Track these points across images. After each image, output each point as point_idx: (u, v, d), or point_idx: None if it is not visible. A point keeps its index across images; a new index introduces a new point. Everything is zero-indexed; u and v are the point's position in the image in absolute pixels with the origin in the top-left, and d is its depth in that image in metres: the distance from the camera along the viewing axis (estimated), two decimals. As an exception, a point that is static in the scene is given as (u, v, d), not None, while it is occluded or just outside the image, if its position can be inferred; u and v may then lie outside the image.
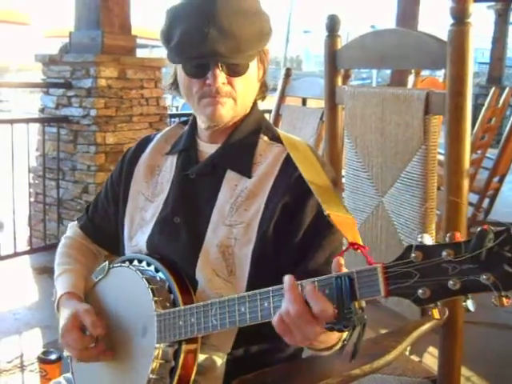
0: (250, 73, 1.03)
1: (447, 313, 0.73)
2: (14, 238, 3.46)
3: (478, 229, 0.67)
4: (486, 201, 3.98)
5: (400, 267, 0.73)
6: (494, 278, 0.66)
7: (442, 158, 1.39)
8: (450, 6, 1.20)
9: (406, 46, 1.37)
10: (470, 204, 3.51)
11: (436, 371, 1.39)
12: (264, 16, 1.03)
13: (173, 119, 4.37)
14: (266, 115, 2.21)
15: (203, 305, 0.92)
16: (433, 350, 2.21)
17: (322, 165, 1.05)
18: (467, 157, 1.24)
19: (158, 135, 1.21)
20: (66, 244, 1.25)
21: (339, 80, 1.59)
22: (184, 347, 0.95)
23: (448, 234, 0.70)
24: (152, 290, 0.98)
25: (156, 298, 0.97)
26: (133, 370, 1.01)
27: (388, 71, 8.62)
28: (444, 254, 0.69)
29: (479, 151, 3.60)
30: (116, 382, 1.05)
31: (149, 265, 1.05)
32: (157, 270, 1.04)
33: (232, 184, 1.04)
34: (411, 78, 3.08)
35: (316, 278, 0.80)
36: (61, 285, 1.14)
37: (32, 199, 3.83)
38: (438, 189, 1.32)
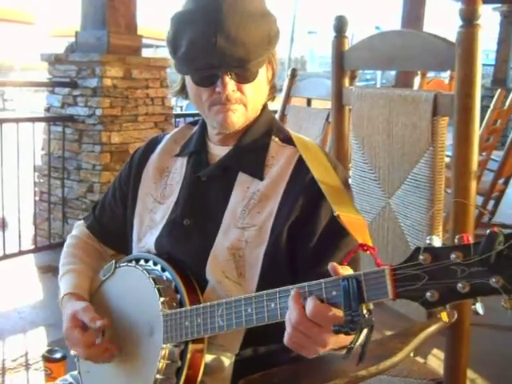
0: (259, 77, 1.02)
1: (456, 316, 0.73)
2: (19, 237, 3.47)
3: (488, 231, 0.66)
4: (491, 203, 3.97)
5: (408, 269, 0.72)
6: (503, 281, 0.66)
7: (447, 160, 1.39)
8: (459, 7, 1.20)
9: (413, 48, 1.37)
10: (475, 206, 3.50)
11: (441, 373, 1.39)
12: (271, 17, 1.02)
13: (177, 119, 4.38)
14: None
15: (210, 305, 0.92)
16: (437, 352, 2.21)
17: (333, 166, 1.05)
18: (475, 158, 1.23)
19: (167, 136, 1.19)
20: (71, 244, 1.24)
21: (346, 81, 1.59)
22: (190, 347, 0.95)
23: (457, 237, 0.69)
24: (158, 289, 0.98)
25: (163, 299, 0.97)
26: (139, 369, 1.01)
27: (393, 72, 8.62)
28: (453, 256, 0.68)
29: (484, 153, 3.59)
30: (122, 382, 1.05)
31: (155, 264, 1.05)
32: (163, 270, 1.03)
33: (244, 186, 1.04)
34: (417, 80, 3.07)
35: (323, 280, 0.80)
36: (64, 285, 1.14)
37: (37, 198, 3.84)
38: (444, 191, 1.32)
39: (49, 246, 3.71)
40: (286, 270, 0.99)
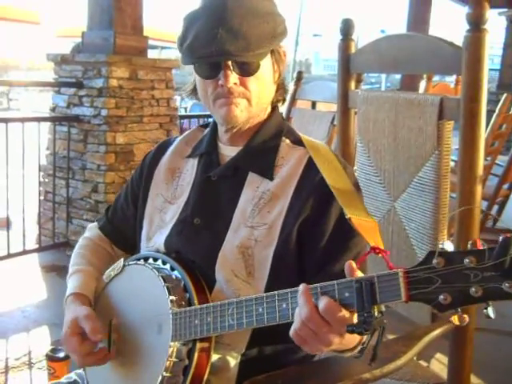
0: (262, 73, 1.03)
1: (467, 319, 0.73)
2: (23, 236, 3.48)
3: (501, 237, 0.67)
4: (495, 207, 3.97)
5: (421, 273, 0.73)
6: (516, 285, 0.67)
7: (453, 164, 1.39)
8: (466, 11, 1.20)
9: (420, 51, 1.37)
10: (481, 210, 3.50)
11: (444, 377, 1.39)
12: (279, 17, 1.04)
13: (182, 120, 4.39)
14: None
15: (220, 304, 0.93)
16: (440, 356, 2.20)
17: (344, 167, 1.06)
18: (481, 163, 1.23)
19: (179, 138, 1.21)
20: (82, 245, 1.25)
21: (352, 84, 1.60)
22: (198, 346, 0.96)
23: (470, 242, 0.70)
24: (168, 288, 0.99)
25: (172, 297, 0.98)
26: (146, 367, 1.01)
27: (398, 76, 8.61)
28: (466, 261, 0.69)
29: (489, 158, 3.58)
30: (129, 379, 1.06)
31: (164, 263, 1.06)
32: (172, 269, 1.04)
33: (254, 186, 1.05)
34: (423, 84, 3.07)
35: (336, 281, 0.80)
36: (70, 285, 1.14)
37: (42, 198, 3.86)
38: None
39: (53, 245, 3.72)
40: (295, 269, 1.00)
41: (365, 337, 0.86)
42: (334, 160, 1.06)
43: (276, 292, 0.86)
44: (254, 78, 1.02)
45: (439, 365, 2.19)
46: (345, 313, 0.79)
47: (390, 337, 1.29)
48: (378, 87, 16.01)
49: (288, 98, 2.51)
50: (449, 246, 0.72)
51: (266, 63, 1.04)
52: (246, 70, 1.01)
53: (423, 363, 2.20)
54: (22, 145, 3.39)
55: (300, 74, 2.55)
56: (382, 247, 0.89)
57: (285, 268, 1.00)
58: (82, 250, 1.24)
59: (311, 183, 1.02)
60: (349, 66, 1.58)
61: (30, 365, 2.32)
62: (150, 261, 1.08)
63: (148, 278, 1.03)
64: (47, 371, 2.07)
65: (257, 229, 1.02)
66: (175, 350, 0.96)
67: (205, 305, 0.95)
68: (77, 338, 1.02)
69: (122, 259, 1.14)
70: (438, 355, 2.25)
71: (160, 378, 0.95)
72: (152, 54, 5.05)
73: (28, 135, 3.45)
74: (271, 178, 1.04)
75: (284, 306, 0.85)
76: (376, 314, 0.76)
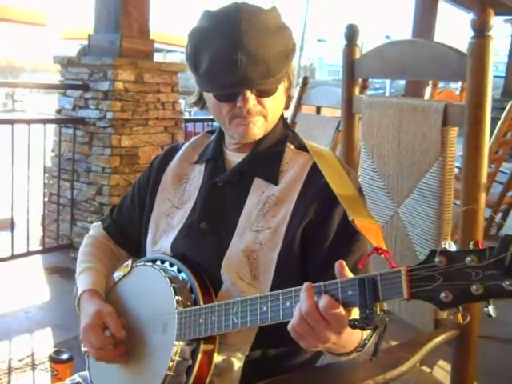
0: (278, 90, 1.05)
1: (469, 318, 0.74)
2: (27, 238, 3.49)
3: (503, 236, 0.68)
4: (499, 215, 3.96)
5: (424, 271, 0.74)
6: (517, 283, 0.67)
7: (456, 171, 1.39)
8: (471, 18, 1.20)
9: (425, 58, 1.38)
10: (484, 218, 3.49)
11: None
12: (287, 31, 1.04)
13: (187, 124, 4.40)
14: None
15: (225, 303, 0.94)
16: (443, 363, 2.20)
17: (347, 172, 1.07)
18: (485, 170, 1.24)
19: (186, 144, 1.23)
20: (89, 243, 1.27)
21: (356, 89, 1.60)
22: (202, 347, 0.97)
23: (472, 242, 0.71)
24: (174, 288, 1.00)
25: (178, 297, 0.99)
26: (150, 366, 1.02)
27: (402, 82, 8.61)
28: (468, 259, 0.70)
29: (493, 165, 3.58)
30: (133, 378, 1.07)
31: (171, 265, 1.07)
32: (179, 271, 1.05)
33: (259, 191, 1.06)
34: (428, 90, 3.07)
35: (339, 280, 0.82)
36: (82, 282, 1.16)
37: (46, 199, 3.86)
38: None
39: (57, 247, 3.73)
40: (299, 273, 1.01)
41: (366, 334, 0.87)
42: (338, 165, 1.08)
43: (280, 291, 0.88)
44: (271, 96, 1.04)
45: (442, 372, 2.19)
46: (344, 312, 0.80)
47: (393, 343, 1.29)
48: (383, 93, 16.01)
49: (293, 103, 2.52)
50: (451, 246, 0.73)
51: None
52: (266, 92, 1.03)
53: (426, 370, 2.19)
54: (27, 146, 3.41)
55: (306, 79, 2.56)
56: (384, 248, 0.90)
57: (289, 271, 1.01)
58: (89, 248, 1.25)
59: (315, 188, 1.03)
60: (353, 72, 1.58)
61: (33, 366, 2.32)
62: (158, 263, 1.09)
63: (155, 279, 1.05)
64: (50, 373, 2.06)
65: (262, 233, 1.03)
66: (179, 349, 0.97)
67: (210, 304, 0.97)
68: (99, 330, 1.04)
69: (130, 261, 1.15)
70: (441, 362, 2.24)
71: (163, 376, 0.96)
72: (157, 56, 5.07)
73: (33, 137, 3.46)
74: (276, 183, 1.06)
75: (288, 304, 0.86)
76: (378, 311, 0.77)
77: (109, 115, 3.55)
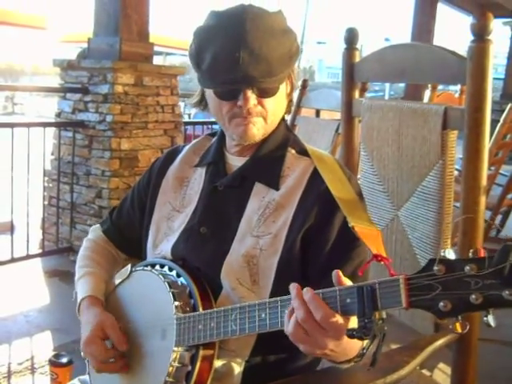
0: (279, 92, 1.05)
1: (468, 327, 0.73)
2: (27, 241, 3.49)
3: (502, 245, 0.67)
4: (499, 217, 3.96)
5: (422, 279, 0.73)
6: (516, 293, 0.67)
7: (456, 173, 1.39)
8: (470, 22, 1.20)
9: (424, 61, 1.38)
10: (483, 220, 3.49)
11: (447, 387, 1.38)
12: (292, 35, 1.04)
13: (186, 127, 4.40)
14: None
15: (224, 310, 0.94)
16: (444, 367, 2.20)
17: (348, 178, 1.07)
18: (485, 173, 1.24)
19: (187, 147, 1.22)
20: (88, 247, 1.26)
21: (356, 93, 1.60)
22: (201, 353, 0.97)
23: (471, 250, 0.71)
24: (173, 294, 1.00)
25: (177, 303, 0.99)
26: (149, 371, 1.02)
27: (401, 84, 8.62)
28: (467, 268, 0.70)
29: (493, 167, 3.58)
30: (132, 383, 1.06)
31: (171, 270, 1.07)
32: (178, 276, 1.05)
33: (260, 196, 1.06)
34: (427, 93, 3.08)
35: (338, 287, 0.81)
36: (82, 288, 1.15)
37: (46, 202, 3.87)
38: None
39: (56, 250, 3.73)
40: (299, 278, 1.00)
41: (365, 342, 0.87)
42: (339, 170, 1.07)
43: (279, 298, 0.87)
44: (272, 97, 1.04)
45: (442, 375, 2.19)
46: (340, 319, 0.80)
47: (393, 346, 1.28)
48: (382, 95, 16.04)
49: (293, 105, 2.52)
50: (450, 254, 0.72)
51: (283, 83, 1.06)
52: (267, 92, 1.02)
53: (426, 373, 2.19)
54: (27, 149, 3.41)
55: (305, 82, 2.56)
56: (384, 255, 0.90)
57: (289, 276, 1.00)
58: (88, 252, 1.25)
59: (316, 193, 1.02)
60: (353, 75, 1.58)
61: (33, 370, 2.32)
62: (157, 267, 1.09)
63: (154, 284, 1.04)
64: (50, 376, 2.06)
65: (262, 238, 1.02)
66: (178, 355, 0.97)
67: (209, 310, 0.96)
68: (100, 342, 1.04)
69: (130, 265, 1.15)
70: (442, 365, 2.24)
71: (162, 383, 0.96)
72: (156, 59, 5.07)
73: (33, 140, 3.46)
74: (277, 188, 1.05)
75: (286, 311, 0.85)
76: (377, 320, 0.76)
77: (108, 118, 3.55)
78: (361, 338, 0.77)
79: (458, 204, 1.30)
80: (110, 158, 3.56)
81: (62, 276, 3.41)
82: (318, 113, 2.83)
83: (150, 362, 1.02)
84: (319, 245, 1.01)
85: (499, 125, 3.21)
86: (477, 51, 1.19)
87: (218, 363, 0.99)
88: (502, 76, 10.68)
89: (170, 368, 0.96)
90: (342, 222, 1.00)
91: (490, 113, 1.22)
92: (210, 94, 1.06)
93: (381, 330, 0.77)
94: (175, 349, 0.97)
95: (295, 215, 1.02)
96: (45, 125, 3.68)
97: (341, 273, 0.82)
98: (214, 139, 1.18)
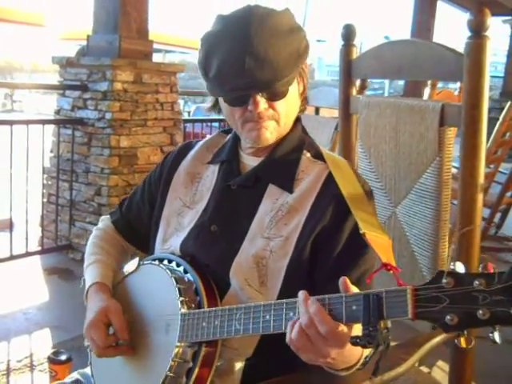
0: (290, 92, 1.04)
1: (473, 342, 0.73)
2: (26, 238, 3.49)
3: None
4: (498, 215, 3.96)
5: (430, 291, 0.73)
6: (524, 311, 0.66)
7: (454, 171, 1.39)
8: (467, 18, 1.20)
9: (422, 58, 1.38)
10: (482, 218, 3.50)
11: (445, 384, 1.39)
12: (300, 32, 1.03)
13: (185, 124, 4.39)
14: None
15: (228, 309, 0.93)
16: (442, 364, 2.20)
17: (362, 184, 1.06)
18: (482, 170, 1.24)
19: (200, 143, 1.22)
20: (97, 235, 1.27)
21: (354, 90, 1.60)
22: (204, 350, 0.96)
23: (481, 265, 0.70)
24: (179, 289, 1.00)
25: (182, 298, 0.99)
26: (151, 365, 1.02)
27: (401, 82, 8.62)
28: (476, 283, 0.69)
29: (492, 165, 3.58)
30: (133, 376, 1.07)
31: (178, 265, 1.07)
32: (185, 272, 1.05)
33: (273, 198, 1.05)
34: (427, 90, 3.07)
35: (344, 294, 0.81)
36: (90, 274, 1.16)
37: (45, 200, 3.86)
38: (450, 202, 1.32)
39: (55, 247, 3.73)
40: (308, 282, 1.00)
41: (367, 351, 0.86)
42: (353, 176, 1.07)
43: (284, 300, 0.87)
44: (283, 100, 1.03)
45: (441, 372, 2.19)
46: (344, 329, 0.79)
47: (391, 343, 1.28)
48: (382, 93, 16.02)
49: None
50: (460, 267, 0.72)
51: (293, 83, 1.04)
52: (276, 95, 1.02)
53: (425, 370, 2.19)
54: (26, 147, 3.41)
55: (304, 79, 2.55)
56: (393, 264, 0.89)
57: (297, 279, 1.00)
58: (98, 240, 1.25)
59: (329, 199, 1.02)
60: (350, 72, 1.58)
61: (32, 367, 2.32)
62: (165, 262, 1.09)
63: (161, 278, 1.05)
64: (49, 374, 2.07)
65: (273, 240, 1.02)
66: (181, 350, 0.97)
67: (214, 308, 0.96)
68: (103, 327, 1.04)
69: (138, 258, 1.15)
70: (440, 362, 2.24)
71: (163, 377, 0.96)
72: (156, 57, 5.07)
73: (32, 137, 3.46)
74: (291, 191, 1.05)
75: (291, 314, 0.85)
76: (381, 329, 0.76)
77: (107, 116, 3.55)
78: (364, 346, 0.76)
79: (455, 201, 1.30)
80: (109, 155, 3.56)
81: (60, 273, 3.41)
82: (317, 110, 2.83)
83: (153, 355, 1.02)
84: (328, 249, 1.00)
85: (498, 123, 3.22)
86: (474, 47, 1.19)
87: (219, 360, 0.99)
88: (502, 74, 10.66)
89: (172, 363, 0.96)
90: (353, 228, 0.99)
91: (489, 111, 1.22)
92: (221, 100, 1.06)
93: (385, 339, 0.76)
94: (178, 344, 0.97)
95: (307, 219, 1.02)
96: (44, 122, 3.68)
97: (347, 280, 0.82)
98: (229, 136, 1.18)
